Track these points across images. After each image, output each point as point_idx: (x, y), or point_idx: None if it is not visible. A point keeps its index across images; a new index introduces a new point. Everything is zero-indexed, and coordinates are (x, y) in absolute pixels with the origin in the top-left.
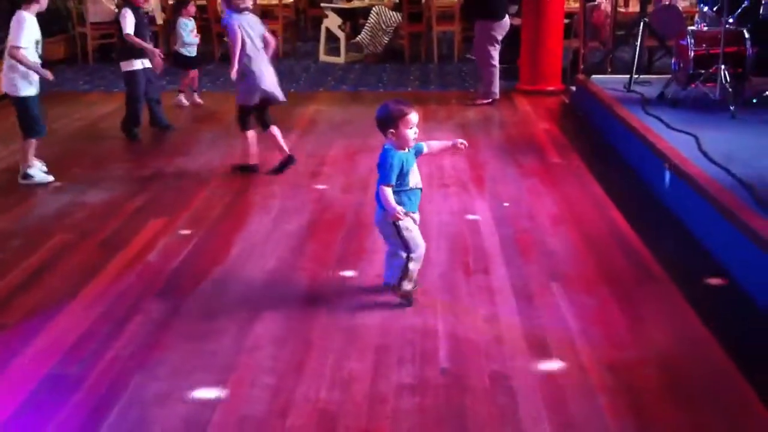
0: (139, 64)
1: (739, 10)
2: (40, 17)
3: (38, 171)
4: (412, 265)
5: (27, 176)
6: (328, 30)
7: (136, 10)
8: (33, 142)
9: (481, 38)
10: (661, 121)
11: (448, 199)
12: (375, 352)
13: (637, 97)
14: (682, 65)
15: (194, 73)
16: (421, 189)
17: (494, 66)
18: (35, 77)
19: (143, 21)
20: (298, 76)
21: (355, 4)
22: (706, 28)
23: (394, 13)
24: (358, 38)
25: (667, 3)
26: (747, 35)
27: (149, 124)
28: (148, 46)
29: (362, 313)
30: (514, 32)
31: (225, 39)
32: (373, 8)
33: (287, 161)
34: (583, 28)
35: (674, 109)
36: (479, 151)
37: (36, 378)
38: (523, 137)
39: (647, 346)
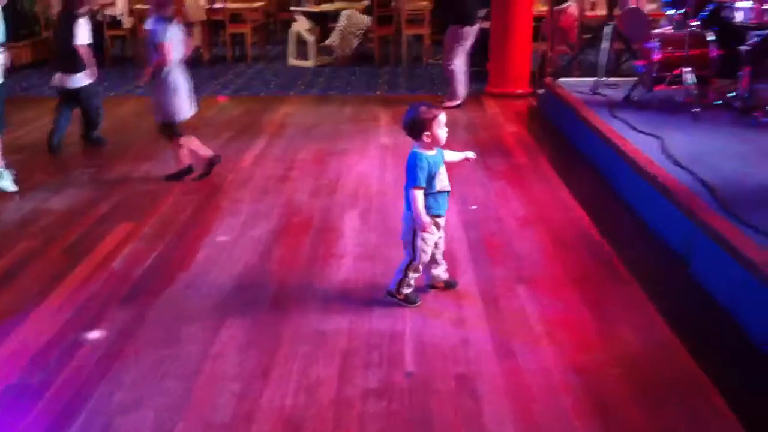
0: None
1: (704, 14)
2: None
3: (6, 179)
4: (411, 273)
5: None
6: (297, 34)
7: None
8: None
9: (451, 42)
10: (627, 123)
11: None
12: (342, 357)
13: (604, 100)
14: (647, 68)
15: None
16: (449, 192)
17: (462, 69)
18: None
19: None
20: (267, 80)
21: (325, 7)
22: (671, 31)
23: (363, 16)
24: (327, 41)
25: (633, 6)
26: (711, 38)
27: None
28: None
29: (329, 317)
30: (483, 36)
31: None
32: (343, 11)
33: (187, 170)
34: (550, 32)
35: (640, 112)
36: None
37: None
38: (491, 140)
39: (613, 347)
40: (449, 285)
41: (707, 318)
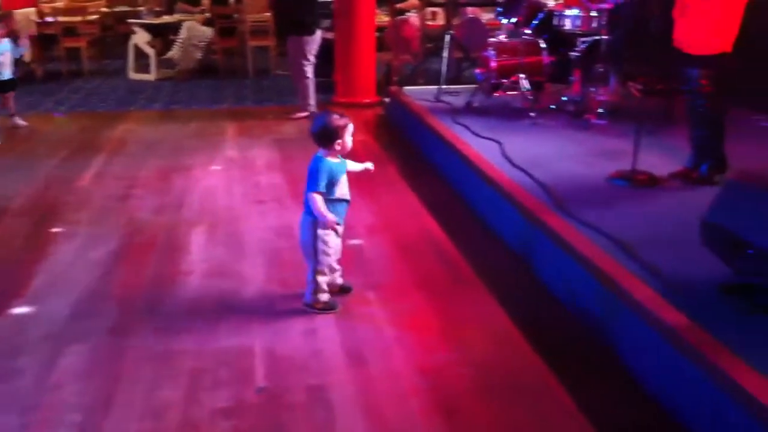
0: None
1: (535, 22)
2: None
3: None
4: (320, 278)
5: None
6: (137, 47)
7: None
8: None
9: (294, 53)
10: (469, 129)
11: (266, 215)
12: (189, 377)
13: (446, 107)
14: (486, 75)
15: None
16: (348, 201)
17: (309, 79)
18: None
19: None
20: (105, 96)
21: (165, 19)
22: (506, 40)
23: (205, 28)
24: (168, 54)
25: (471, 16)
26: (543, 45)
27: None
28: None
29: (175, 338)
30: (328, 46)
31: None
32: (184, 23)
33: None
34: (393, 42)
35: (481, 117)
36: (296, 165)
37: None
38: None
39: (459, 347)
40: (345, 289)
41: (551, 315)
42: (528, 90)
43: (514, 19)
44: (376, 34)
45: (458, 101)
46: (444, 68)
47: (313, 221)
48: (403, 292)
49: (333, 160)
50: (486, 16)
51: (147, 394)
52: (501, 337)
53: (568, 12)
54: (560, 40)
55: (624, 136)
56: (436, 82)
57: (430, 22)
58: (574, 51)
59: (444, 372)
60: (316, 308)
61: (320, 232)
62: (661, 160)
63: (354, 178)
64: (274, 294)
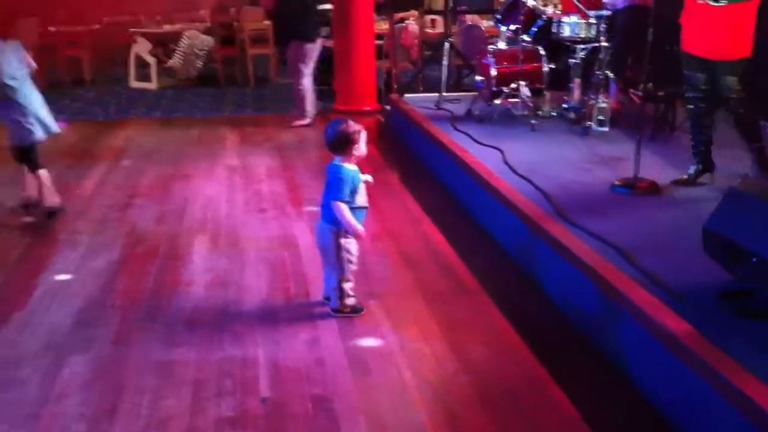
0: None
1: (534, 30)
2: None
3: None
4: (345, 285)
5: None
6: (138, 55)
7: None
8: None
9: (295, 60)
10: (469, 136)
11: (267, 223)
12: (192, 387)
13: (447, 114)
14: (485, 83)
15: None
16: (366, 208)
17: (309, 87)
18: None
19: None
20: (106, 104)
21: (166, 28)
22: (505, 47)
23: (206, 36)
24: (169, 63)
25: (470, 24)
26: (542, 52)
27: None
28: None
29: (178, 348)
30: (328, 54)
31: None
32: (185, 33)
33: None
34: (393, 49)
35: (481, 125)
36: (297, 173)
37: None
38: None
39: (461, 356)
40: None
41: (553, 323)
42: (528, 97)
43: (513, 27)
44: (376, 41)
45: (458, 109)
46: (444, 76)
47: (333, 230)
48: (406, 301)
49: (352, 168)
50: (486, 23)
51: (151, 404)
52: (505, 348)
53: (566, 19)
54: (559, 48)
55: (625, 143)
56: (436, 90)
57: (429, 30)
58: (574, 58)
59: (447, 381)
60: (344, 312)
61: (343, 241)
62: (662, 167)
63: None
64: (277, 303)
